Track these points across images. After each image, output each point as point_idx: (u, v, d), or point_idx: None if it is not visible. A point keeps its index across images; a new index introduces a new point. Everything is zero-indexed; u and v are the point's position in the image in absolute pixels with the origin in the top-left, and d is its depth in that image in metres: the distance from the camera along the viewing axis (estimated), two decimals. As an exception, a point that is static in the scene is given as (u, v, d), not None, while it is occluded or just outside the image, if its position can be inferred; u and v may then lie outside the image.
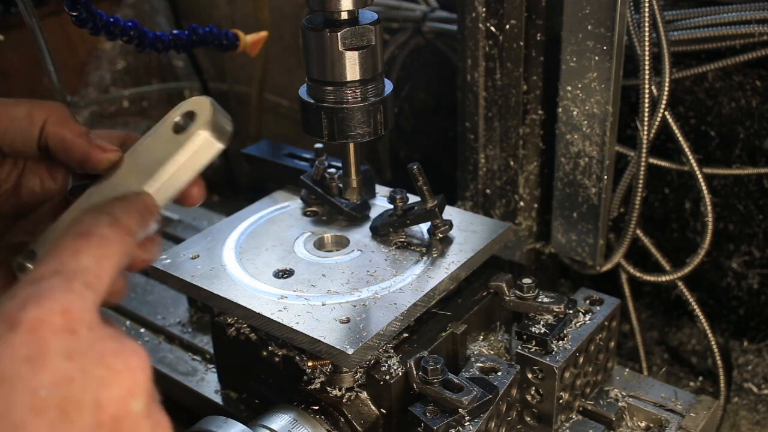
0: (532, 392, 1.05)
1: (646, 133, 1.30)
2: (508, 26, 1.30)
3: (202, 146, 0.72)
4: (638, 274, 1.44)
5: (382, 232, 1.18)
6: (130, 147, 0.79)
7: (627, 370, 1.18)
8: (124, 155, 0.77)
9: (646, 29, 1.23)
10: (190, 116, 0.74)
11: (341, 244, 1.19)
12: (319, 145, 1.27)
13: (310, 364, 1.01)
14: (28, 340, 0.50)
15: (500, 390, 0.96)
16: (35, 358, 0.50)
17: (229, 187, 2.11)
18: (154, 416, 0.56)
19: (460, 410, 0.92)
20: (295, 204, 1.30)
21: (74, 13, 1.13)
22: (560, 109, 1.32)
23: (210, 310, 1.16)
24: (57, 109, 0.76)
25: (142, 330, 1.35)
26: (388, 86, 1.03)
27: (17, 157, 0.79)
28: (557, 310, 1.07)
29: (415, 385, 0.96)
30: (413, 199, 1.18)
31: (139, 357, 0.55)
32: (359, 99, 0.98)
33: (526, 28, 1.30)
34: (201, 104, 0.74)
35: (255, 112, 2.02)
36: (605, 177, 1.32)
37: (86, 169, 0.77)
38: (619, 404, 1.10)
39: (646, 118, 1.29)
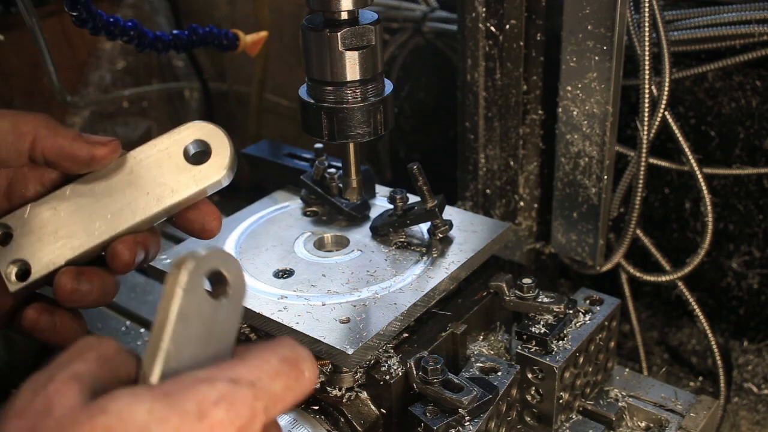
0: (532, 392, 1.05)
1: (646, 133, 1.30)
2: (508, 26, 1.30)
3: (217, 183, 0.74)
4: (638, 274, 1.44)
5: (382, 232, 1.18)
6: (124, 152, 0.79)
7: (627, 370, 1.18)
8: (127, 158, 0.77)
9: (646, 29, 1.23)
10: (203, 146, 0.74)
11: (341, 244, 1.19)
12: (319, 145, 1.27)
13: (310, 364, 1.01)
14: None
15: (500, 390, 0.96)
16: None
17: (228, 187, 2.11)
18: None
19: (460, 410, 0.92)
20: (295, 204, 1.30)
21: (74, 13, 1.13)
22: (560, 109, 1.32)
23: (210, 310, 1.16)
24: (43, 120, 0.76)
25: (142, 330, 1.35)
26: (388, 86, 1.03)
27: (4, 167, 0.79)
28: (557, 310, 1.07)
29: (415, 385, 0.96)
30: (413, 199, 1.18)
31: None
32: (359, 99, 0.98)
33: (526, 28, 1.30)
34: (217, 138, 0.74)
35: (255, 112, 2.01)
36: (605, 177, 1.32)
37: (91, 169, 0.77)
38: (619, 404, 1.10)
39: (646, 118, 1.29)
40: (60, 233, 0.76)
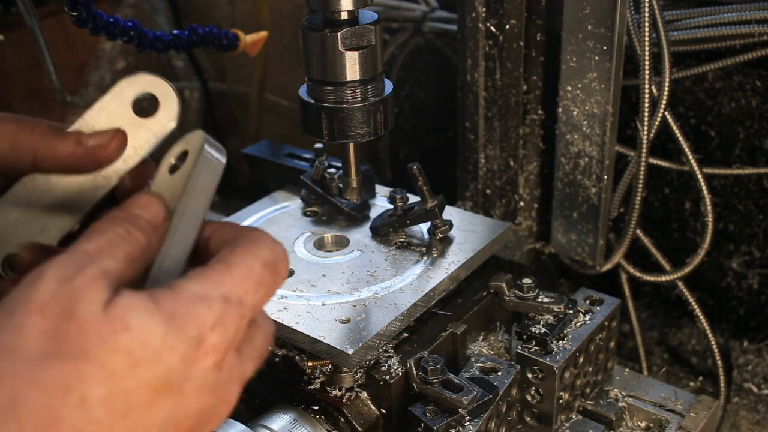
0: (532, 392, 1.05)
1: (646, 133, 1.30)
2: (508, 26, 1.30)
3: (172, 130, 0.74)
4: (638, 274, 1.44)
5: (382, 232, 1.18)
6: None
7: (627, 370, 1.18)
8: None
9: (646, 29, 1.23)
10: (150, 96, 0.74)
11: (341, 244, 1.19)
12: (319, 145, 1.27)
13: (310, 364, 1.01)
14: (205, 366, 0.55)
15: (500, 390, 0.96)
16: (204, 385, 0.55)
17: (228, 187, 2.11)
18: None
19: (460, 410, 0.92)
20: (295, 204, 1.30)
21: (74, 13, 1.13)
22: (560, 109, 1.32)
23: (210, 310, 1.16)
24: (41, 137, 0.73)
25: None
26: (388, 86, 1.03)
27: (2, 178, 0.77)
28: (557, 310, 1.07)
29: (415, 385, 0.96)
30: (413, 199, 1.18)
31: (231, 408, 0.60)
32: (359, 99, 0.98)
33: (526, 28, 1.30)
34: (160, 86, 0.74)
35: (255, 112, 2.02)
36: (605, 177, 1.32)
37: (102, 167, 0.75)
38: (619, 404, 1.10)
39: (646, 118, 1.29)
40: (35, 225, 0.75)
